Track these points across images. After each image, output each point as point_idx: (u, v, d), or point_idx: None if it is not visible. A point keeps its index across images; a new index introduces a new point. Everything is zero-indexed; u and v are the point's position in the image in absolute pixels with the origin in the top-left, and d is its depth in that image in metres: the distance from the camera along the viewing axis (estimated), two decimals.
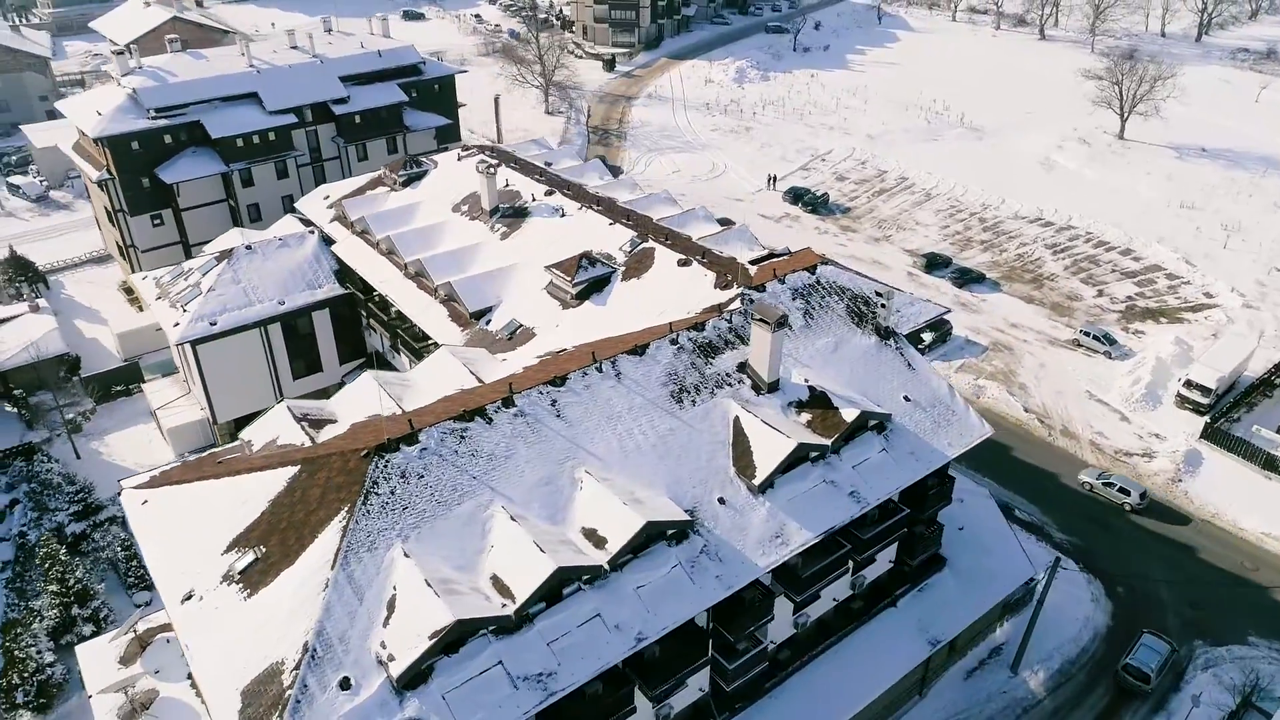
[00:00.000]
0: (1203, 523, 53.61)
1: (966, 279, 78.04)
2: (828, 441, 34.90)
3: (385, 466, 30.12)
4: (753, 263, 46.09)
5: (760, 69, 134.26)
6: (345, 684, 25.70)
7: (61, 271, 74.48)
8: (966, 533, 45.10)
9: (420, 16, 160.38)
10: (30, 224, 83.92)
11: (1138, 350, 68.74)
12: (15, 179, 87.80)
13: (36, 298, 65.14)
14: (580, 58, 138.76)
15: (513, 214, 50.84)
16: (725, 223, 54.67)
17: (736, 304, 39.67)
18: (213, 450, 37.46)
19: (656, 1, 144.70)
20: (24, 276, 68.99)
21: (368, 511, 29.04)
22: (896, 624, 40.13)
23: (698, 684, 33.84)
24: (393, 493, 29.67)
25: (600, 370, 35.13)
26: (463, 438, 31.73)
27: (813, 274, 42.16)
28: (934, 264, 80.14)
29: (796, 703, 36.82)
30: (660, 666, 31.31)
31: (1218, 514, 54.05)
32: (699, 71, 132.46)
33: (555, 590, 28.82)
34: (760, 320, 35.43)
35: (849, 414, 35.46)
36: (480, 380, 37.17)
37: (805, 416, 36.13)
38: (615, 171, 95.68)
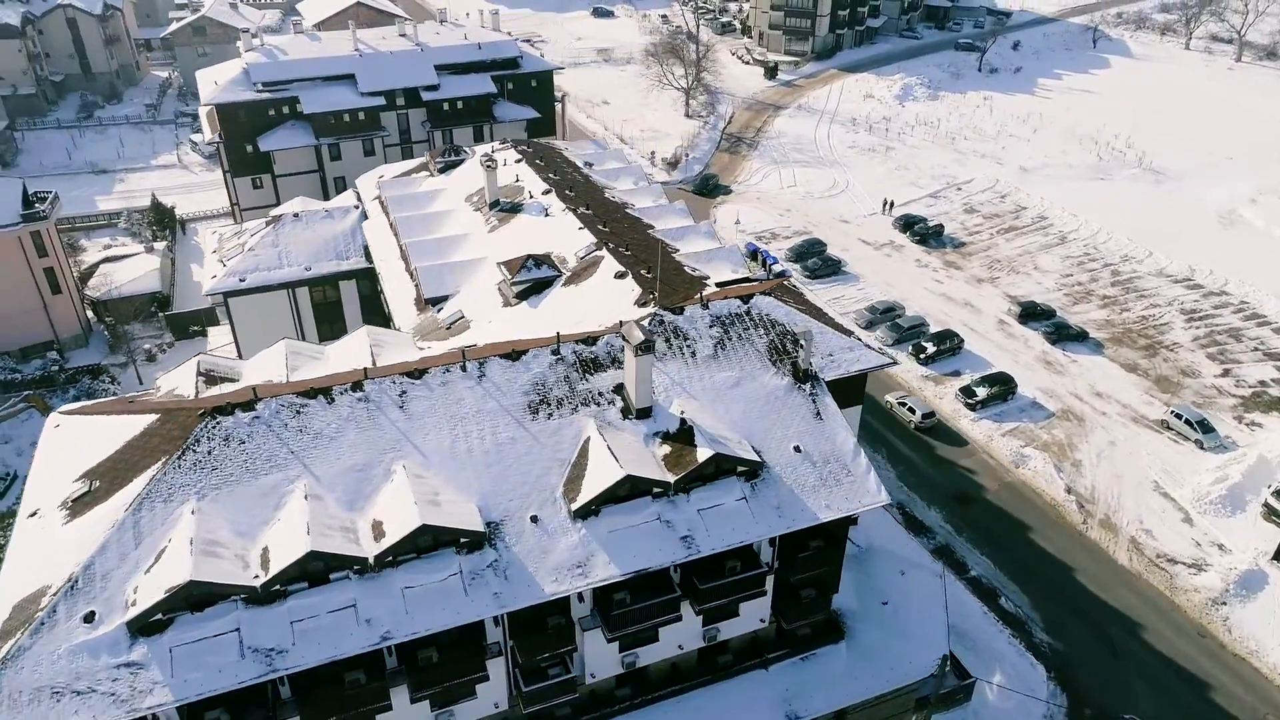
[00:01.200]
0: (1235, 659, 45.02)
1: (1063, 335, 69.69)
2: (671, 478, 32.98)
3: (213, 428, 32.01)
4: (720, 285, 44.36)
5: (931, 87, 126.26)
6: (89, 617, 27.75)
7: (199, 221, 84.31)
8: (890, 609, 40.83)
9: (609, 14, 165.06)
10: (197, 176, 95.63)
11: (1242, 445, 58.56)
12: (195, 136, 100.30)
13: (154, 241, 74.41)
14: (747, 64, 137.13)
15: (508, 209, 51.70)
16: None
17: (645, 322, 38.22)
18: (140, 391, 41.33)
19: (836, 11, 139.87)
20: (161, 222, 78.82)
21: (179, 466, 31.03)
22: (757, 689, 37.12)
23: (492, 699, 33.20)
24: (209, 453, 31.48)
25: (465, 370, 35.25)
26: (299, 413, 33.03)
27: (745, 303, 39.75)
28: (1031, 314, 72.23)
29: None
30: (433, 671, 31.10)
31: (1257, 651, 45.13)
32: (863, 86, 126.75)
33: (320, 574, 29.45)
34: (626, 342, 34.10)
35: (703, 453, 33.28)
36: (374, 363, 38.36)
37: (665, 449, 34.31)
38: (721, 190, 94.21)
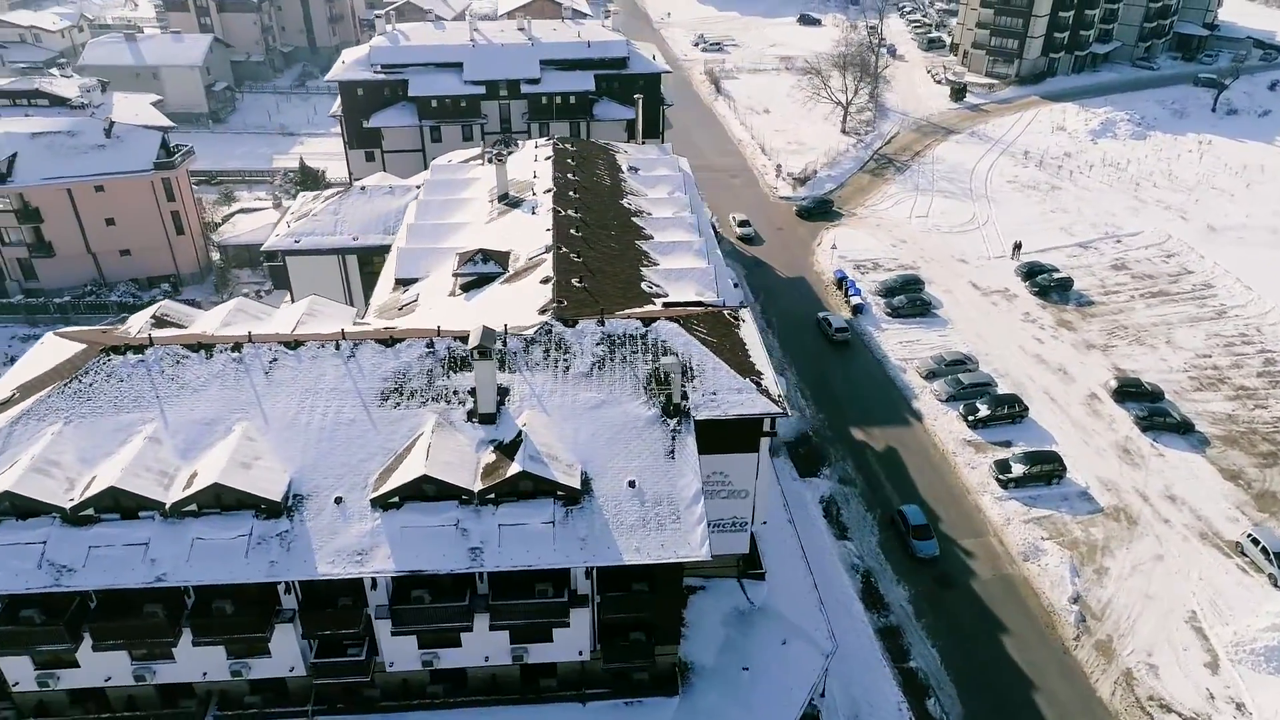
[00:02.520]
0: None
1: (1159, 423, 59.69)
2: (478, 487, 32.66)
3: (104, 364, 35.97)
4: (667, 304, 42.99)
5: (1141, 125, 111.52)
6: None
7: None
8: (750, 676, 37.70)
9: (816, 22, 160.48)
10: None
11: None
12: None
13: (286, 198, 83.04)
14: (939, 82, 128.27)
15: (510, 204, 52.67)
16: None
17: (531, 330, 37.97)
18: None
19: (1052, 32, 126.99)
20: (305, 182, 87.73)
21: (62, 392, 35.21)
22: None
23: (286, 662, 34.59)
24: (91, 385, 35.42)
25: (338, 348, 36.90)
26: (179, 362, 36.27)
27: (645, 326, 38.25)
28: (1130, 393, 62.51)
29: None
30: (218, 622, 32.97)
31: None
32: (1058, 117, 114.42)
33: (131, 509, 32.20)
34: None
35: (513, 469, 32.65)
36: (293, 329, 40.85)
37: (491, 458, 33.97)
38: (834, 214, 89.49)
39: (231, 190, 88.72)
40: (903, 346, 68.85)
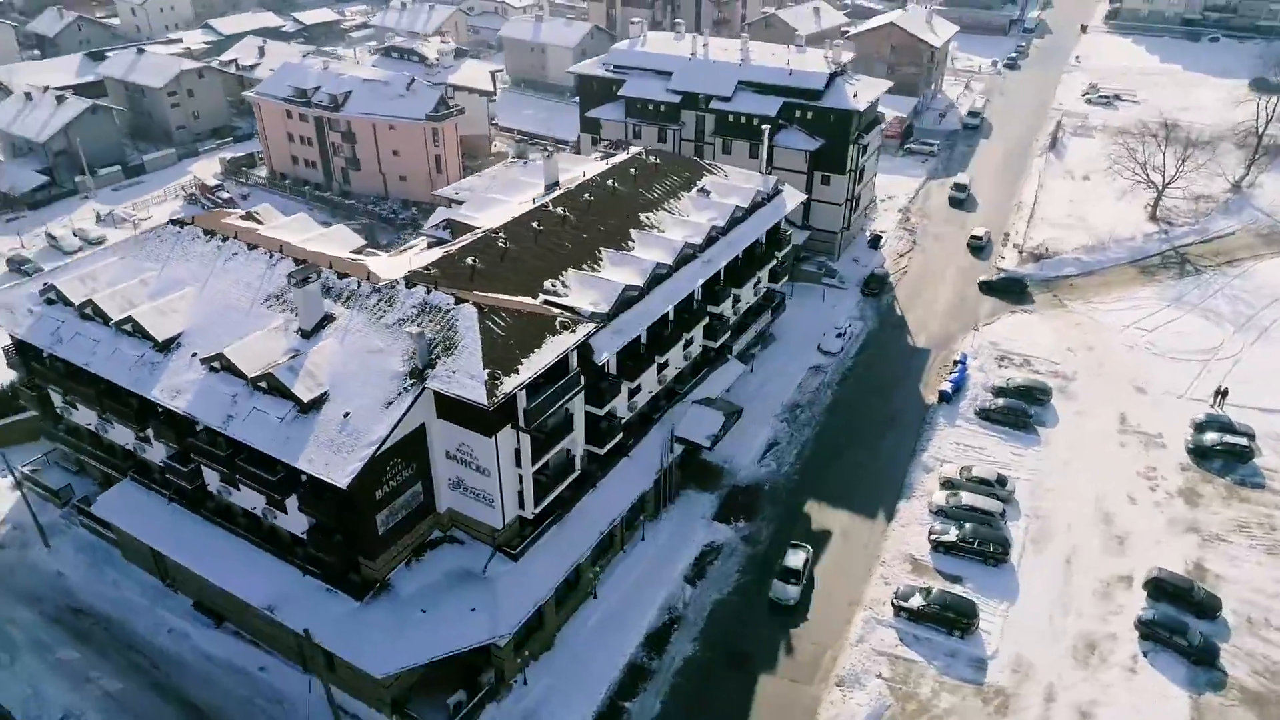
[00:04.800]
0: None
1: (1166, 639, 46.82)
2: (249, 375, 43.40)
3: (163, 229, 54.05)
4: (548, 302, 48.81)
5: None
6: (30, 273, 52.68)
7: None
8: (421, 618, 43.07)
9: (1276, 90, 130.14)
10: None
11: None
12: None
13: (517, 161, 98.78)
14: None
15: (547, 190, 60.56)
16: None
17: (384, 281, 47.05)
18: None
19: None
20: (578, 150, 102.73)
21: (134, 240, 53.83)
22: (287, 578, 45.18)
23: (161, 456, 49.21)
24: (147, 240, 53.64)
25: (270, 257, 50.08)
26: (194, 239, 52.74)
27: (456, 304, 44.86)
28: (1169, 593, 49.27)
29: (192, 542, 48.06)
30: (122, 410, 48.55)
31: None
32: None
33: (104, 319, 49.06)
34: None
35: (269, 369, 42.72)
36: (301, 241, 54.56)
37: (282, 360, 44.28)
38: (1025, 298, 78.89)
39: (526, 151, 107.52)
40: (957, 448, 61.49)
